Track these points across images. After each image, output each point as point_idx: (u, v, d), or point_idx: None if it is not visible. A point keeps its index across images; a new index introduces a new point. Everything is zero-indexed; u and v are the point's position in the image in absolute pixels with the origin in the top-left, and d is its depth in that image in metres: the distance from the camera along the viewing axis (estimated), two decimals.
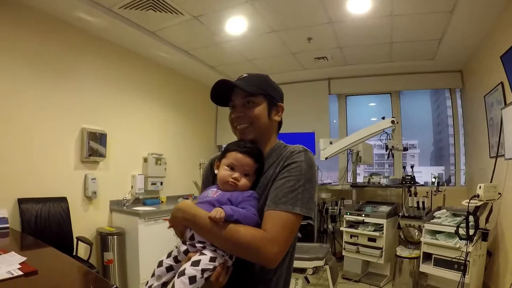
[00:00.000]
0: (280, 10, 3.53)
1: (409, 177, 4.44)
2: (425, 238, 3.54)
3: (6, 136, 3.13)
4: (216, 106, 5.92)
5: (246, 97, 1.17)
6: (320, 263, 3.08)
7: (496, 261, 3.42)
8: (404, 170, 4.68)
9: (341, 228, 4.51)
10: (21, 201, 3.17)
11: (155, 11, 3.52)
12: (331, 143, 4.64)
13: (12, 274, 1.55)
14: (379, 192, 5.31)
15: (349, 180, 5.36)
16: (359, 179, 5.29)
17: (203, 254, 1.00)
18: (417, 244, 3.96)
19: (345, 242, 4.39)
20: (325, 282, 3.50)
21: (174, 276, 1.00)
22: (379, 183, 4.82)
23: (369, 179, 4.95)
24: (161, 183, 4.84)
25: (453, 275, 3.21)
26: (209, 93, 1.19)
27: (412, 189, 4.34)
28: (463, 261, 3.08)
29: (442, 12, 3.43)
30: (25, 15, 3.28)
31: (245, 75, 1.21)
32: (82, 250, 3.54)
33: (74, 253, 3.47)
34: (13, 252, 1.91)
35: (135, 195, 4.42)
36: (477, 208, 3.03)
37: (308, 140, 5.22)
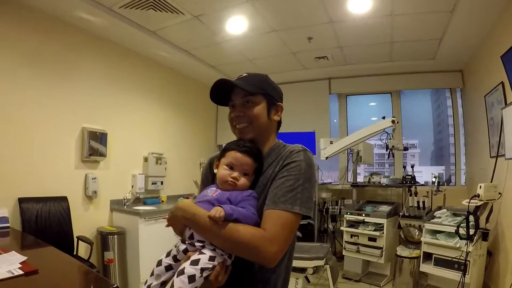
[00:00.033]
0: (281, 9, 3.53)
1: (410, 177, 4.44)
2: (426, 238, 3.54)
3: (6, 135, 3.13)
4: (217, 106, 5.92)
5: (246, 96, 1.17)
6: (320, 262, 3.09)
7: (496, 261, 3.42)
8: (404, 169, 4.68)
9: (342, 228, 4.51)
10: (21, 201, 3.18)
11: (156, 11, 3.52)
12: (331, 142, 4.64)
13: (13, 273, 1.55)
14: (380, 191, 5.31)
15: (349, 180, 5.37)
16: (360, 179, 5.29)
17: (202, 253, 1.00)
18: (417, 243, 3.96)
19: (345, 241, 4.39)
20: (325, 281, 3.51)
21: (173, 275, 1.00)
22: (380, 182, 4.82)
23: (369, 179, 4.96)
24: (162, 183, 4.84)
25: (453, 275, 3.22)
26: (209, 92, 1.20)
27: (413, 188, 4.34)
28: (463, 261, 3.08)
29: (442, 11, 3.43)
30: (25, 14, 3.28)
31: (244, 74, 1.21)
32: (82, 250, 3.55)
33: (75, 253, 3.47)
34: (13, 251, 1.91)
35: (135, 195, 4.42)
36: (477, 208, 3.03)
37: (308, 139, 5.22)
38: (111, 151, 4.11)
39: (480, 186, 2.97)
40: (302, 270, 3.13)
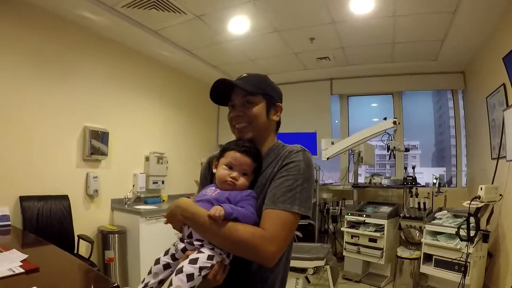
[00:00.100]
0: (283, 10, 3.53)
1: (410, 178, 4.44)
2: (426, 239, 3.54)
3: (8, 134, 3.14)
4: (218, 106, 5.91)
5: (245, 96, 1.17)
6: (320, 263, 3.08)
7: (497, 262, 3.42)
8: (405, 171, 4.68)
9: (342, 229, 4.51)
10: (22, 199, 3.18)
11: (158, 10, 3.52)
12: (332, 143, 4.64)
13: (14, 271, 1.55)
14: (380, 192, 5.30)
15: (350, 181, 5.36)
16: (361, 180, 5.29)
17: (201, 252, 1.00)
18: (417, 245, 3.96)
19: (346, 242, 4.39)
20: (325, 282, 3.51)
21: (171, 274, 1.00)
22: (380, 183, 4.82)
23: (370, 180, 4.95)
24: (163, 182, 4.84)
25: (454, 276, 3.22)
26: (209, 92, 1.20)
27: (413, 190, 4.34)
28: (464, 262, 3.08)
29: (444, 12, 3.42)
30: (25, 12, 3.28)
31: (244, 74, 1.22)
32: (83, 248, 3.56)
33: (75, 251, 3.48)
34: (14, 249, 1.91)
35: (136, 194, 4.43)
36: (478, 209, 3.03)
37: (309, 140, 5.23)
38: (113, 150, 4.11)
39: (481, 188, 2.97)
40: (303, 270, 3.13)
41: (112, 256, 3.70)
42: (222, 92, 1.21)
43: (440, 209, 3.89)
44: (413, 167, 4.56)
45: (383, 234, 4.07)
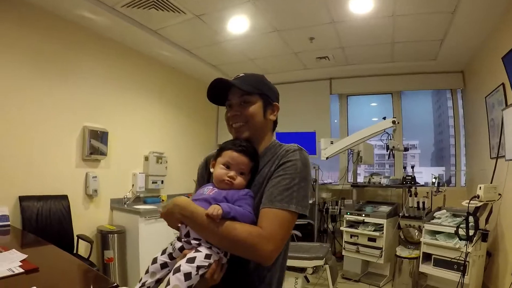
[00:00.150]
0: (282, 9, 3.53)
1: (410, 178, 4.45)
2: (425, 239, 3.54)
3: (7, 134, 3.14)
4: (217, 106, 5.92)
5: (242, 96, 1.18)
6: (320, 262, 3.09)
7: (496, 261, 3.43)
8: (404, 170, 4.68)
9: (341, 228, 4.51)
10: (22, 199, 3.18)
11: (158, 10, 3.52)
12: (332, 143, 4.64)
13: (13, 271, 1.55)
14: (380, 192, 5.31)
15: (349, 180, 5.37)
16: (360, 179, 5.30)
17: (199, 251, 1.01)
18: (417, 244, 3.96)
19: (345, 241, 4.40)
20: (324, 281, 3.51)
21: (168, 273, 1.01)
22: (380, 183, 4.82)
23: (369, 179, 4.96)
24: (162, 182, 4.84)
25: (453, 276, 3.22)
26: (206, 92, 1.21)
27: (413, 189, 4.35)
28: (463, 262, 3.08)
29: (444, 12, 3.43)
30: (26, 12, 3.28)
31: (241, 74, 1.22)
32: (82, 248, 3.56)
33: (75, 251, 3.48)
34: (14, 249, 1.91)
35: (136, 194, 4.43)
36: (477, 208, 3.04)
37: (309, 139, 5.23)
38: (112, 150, 4.11)
39: (480, 187, 2.98)
40: (302, 270, 3.13)
41: (111, 256, 3.70)
42: (219, 91, 1.21)
43: (439, 209, 3.90)
44: (412, 167, 4.57)
45: (382, 233, 4.07)
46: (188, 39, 4.35)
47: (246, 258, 1.05)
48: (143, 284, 1.05)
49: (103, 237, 3.76)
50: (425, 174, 5.75)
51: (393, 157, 4.59)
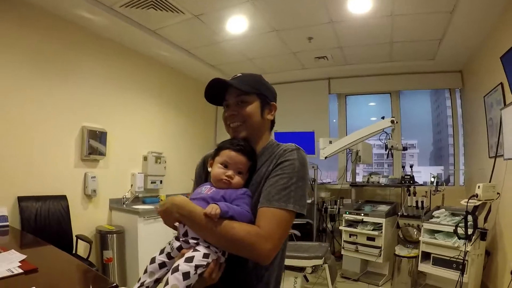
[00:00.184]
0: (281, 9, 3.53)
1: (408, 177, 4.46)
2: (424, 238, 3.55)
3: (6, 134, 3.13)
4: (216, 106, 5.93)
5: (240, 96, 1.18)
6: (319, 262, 3.09)
7: (495, 260, 3.43)
8: (403, 169, 4.69)
9: (340, 227, 4.52)
10: (21, 199, 3.18)
11: (156, 10, 3.52)
12: (330, 142, 4.64)
13: (12, 272, 1.55)
14: (378, 191, 5.32)
15: (348, 180, 5.37)
16: (358, 179, 5.30)
17: (197, 250, 1.01)
18: (416, 243, 3.96)
19: (344, 241, 4.40)
20: (324, 281, 3.51)
21: (166, 273, 1.01)
22: (378, 182, 4.83)
23: (368, 179, 4.96)
24: (161, 182, 4.84)
25: (452, 274, 3.22)
26: (204, 92, 1.21)
27: (411, 188, 4.36)
28: (462, 261, 3.09)
29: (442, 12, 3.43)
30: (26, 12, 3.27)
31: (239, 74, 1.23)
32: (81, 249, 3.55)
33: (74, 252, 3.48)
34: (13, 250, 1.91)
35: (134, 194, 4.42)
36: (475, 207, 3.04)
37: (307, 139, 5.23)
38: (111, 150, 4.11)
39: (479, 186, 2.99)
40: (301, 269, 3.14)
41: (110, 256, 3.70)
42: (217, 91, 1.22)
43: (438, 208, 3.90)
44: (411, 166, 4.58)
45: (381, 232, 4.08)
46: (186, 39, 4.35)
47: (244, 257, 1.05)
48: (142, 284, 1.06)
49: (102, 237, 3.75)
50: (424, 174, 5.76)
51: (392, 156, 4.60)
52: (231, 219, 1.00)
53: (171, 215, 1.06)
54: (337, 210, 5.11)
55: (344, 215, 4.49)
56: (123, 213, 4.03)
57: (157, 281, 1.07)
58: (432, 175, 4.28)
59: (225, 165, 1.13)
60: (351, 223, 4.43)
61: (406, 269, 3.85)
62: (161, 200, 4.75)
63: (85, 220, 3.80)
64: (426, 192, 4.26)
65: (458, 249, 3.19)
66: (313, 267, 3.17)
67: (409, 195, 4.32)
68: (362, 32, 3.99)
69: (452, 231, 3.21)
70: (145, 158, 4.67)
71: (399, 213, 4.26)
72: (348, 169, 5.42)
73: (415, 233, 4.08)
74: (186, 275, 0.95)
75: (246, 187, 1.14)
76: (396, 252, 3.98)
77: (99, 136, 3.90)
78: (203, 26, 3.89)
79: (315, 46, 4.45)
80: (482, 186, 2.97)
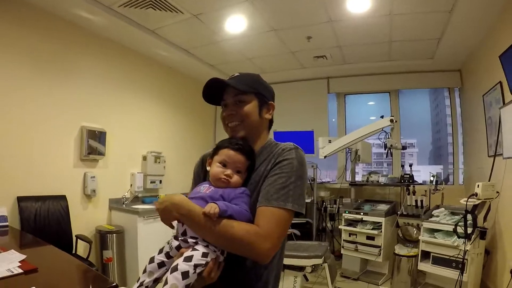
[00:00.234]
0: (280, 9, 3.53)
1: (408, 176, 4.46)
2: (424, 237, 3.55)
3: (5, 134, 3.13)
4: (214, 106, 5.94)
5: (237, 95, 1.18)
6: (318, 261, 3.09)
7: (494, 259, 3.44)
8: (402, 168, 4.70)
9: (340, 227, 4.52)
10: (20, 199, 3.17)
11: (155, 10, 3.52)
12: (330, 141, 4.65)
13: (12, 272, 1.55)
14: (378, 190, 5.32)
15: (347, 179, 5.38)
16: (358, 178, 5.31)
17: (196, 249, 1.01)
18: (415, 242, 3.97)
19: (343, 240, 4.40)
20: (323, 280, 3.51)
21: (165, 272, 1.01)
22: (378, 181, 4.83)
23: (367, 178, 4.96)
24: (160, 181, 4.84)
25: (451, 273, 3.23)
26: (202, 92, 1.21)
27: (411, 187, 4.36)
28: (461, 260, 3.09)
29: (441, 11, 3.43)
30: (25, 12, 3.27)
31: (236, 74, 1.23)
32: (81, 249, 3.55)
33: (74, 251, 3.47)
34: (12, 250, 1.91)
35: (134, 193, 4.42)
36: (475, 206, 3.05)
37: (307, 138, 5.23)
38: (110, 149, 4.10)
39: (478, 185, 2.99)
40: (301, 268, 3.14)
41: (110, 256, 3.69)
42: (215, 91, 1.22)
43: (438, 207, 3.91)
44: (410, 165, 4.58)
45: (381, 232, 4.08)
46: (185, 39, 4.35)
47: (243, 256, 1.06)
48: (141, 284, 1.06)
49: (102, 237, 3.75)
50: (423, 173, 5.77)
51: (391, 155, 4.60)
52: (230, 218, 1.01)
53: (169, 214, 1.06)
54: (336, 210, 5.11)
55: (343, 214, 4.49)
56: (122, 213, 4.03)
57: (156, 280, 1.07)
58: (431, 174, 4.28)
59: (224, 164, 1.14)
60: (351, 222, 4.43)
61: (405, 268, 3.86)
62: (159, 197, 4.75)
63: (84, 220, 3.80)
64: (425, 191, 4.26)
65: (458, 248, 3.19)
66: (313, 267, 3.17)
67: (409, 194, 4.33)
68: (361, 31, 4.00)
69: (451, 230, 3.21)
70: (144, 158, 4.67)
71: (398, 212, 4.27)
72: (347, 168, 5.42)
73: (415, 232, 4.09)
74: (185, 275, 0.95)
75: (245, 186, 1.14)
76: (396, 251, 3.98)
77: (98, 136, 3.90)
78: (202, 25, 3.88)
79: (314, 46, 4.45)
80: (481, 185, 2.97)
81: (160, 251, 1.09)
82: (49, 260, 2.04)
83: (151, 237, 3.84)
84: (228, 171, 1.12)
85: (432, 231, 3.54)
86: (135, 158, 4.61)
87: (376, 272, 4.39)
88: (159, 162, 4.78)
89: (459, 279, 3.06)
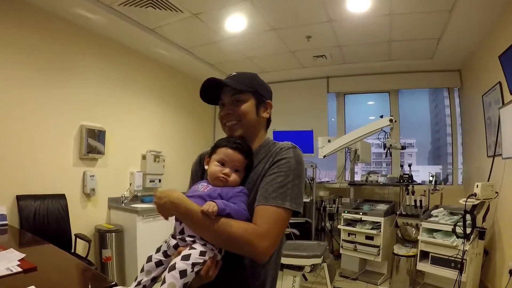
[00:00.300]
0: (280, 8, 3.53)
1: (407, 176, 4.46)
2: (422, 237, 3.55)
3: (5, 132, 3.13)
4: (213, 105, 5.94)
5: (235, 94, 1.19)
6: (317, 260, 3.10)
7: (493, 259, 3.44)
8: (401, 168, 4.70)
9: (339, 226, 4.52)
10: (19, 198, 3.17)
11: (155, 8, 3.52)
12: (329, 141, 4.64)
13: (11, 270, 1.55)
14: (377, 190, 5.32)
15: (347, 179, 5.38)
16: (357, 178, 5.31)
17: (193, 248, 1.01)
18: (414, 242, 3.98)
19: (342, 240, 4.40)
20: (322, 279, 3.52)
21: (163, 271, 1.01)
22: (377, 181, 4.83)
23: (367, 178, 4.97)
24: (160, 180, 4.84)
25: (450, 274, 3.23)
26: (199, 92, 1.22)
27: (410, 187, 4.36)
28: (460, 260, 3.09)
29: (441, 11, 3.44)
30: (25, 12, 3.27)
31: (234, 73, 1.23)
32: (80, 247, 3.55)
33: (73, 250, 3.48)
34: (12, 248, 1.91)
35: (133, 192, 4.42)
36: (474, 206, 3.05)
37: (306, 138, 5.24)
38: (109, 148, 4.10)
39: (477, 185, 2.99)
40: (300, 268, 3.14)
41: (109, 255, 3.70)
42: (212, 91, 1.22)
43: (437, 207, 3.91)
44: (410, 165, 4.58)
45: (380, 231, 4.08)
46: (185, 38, 4.34)
47: (240, 255, 1.06)
48: (139, 283, 1.06)
49: (101, 236, 3.75)
50: (422, 173, 5.78)
51: (390, 155, 4.59)
52: (228, 216, 1.01)
53: (168, 211, 1.06)
54: (335, 209, 5.11)
55: (342, 214, 4.49)
56: (122, 212, 4.03)
57: (154, 279, 1.07)
58: (430, 174, 4.28)
59: (222, 163, 1.14)
60: (350, 222, 4.43)
61: (404, 268, 3.86)
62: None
63: (84, 219, 3.80)
64: (424, 191, 4.27)
65: (457, 248, 3.20)
66: (312, 266, 3.18)
67: (408, 194, 4.33)
68: (360, 31, 4.00)
69: (450, 230, 3.22)
70: (143, 157, 4.66)
71: (397, 212, 4.27)
72: (346, 168, 5.42)
73: (414, 232, 4.09)
74: (183, 273, 0.95)
75: (243, 185, 1.14)
76: (395, 251, 3.98)
77: (98, 135, 3.90)
78: (202, 24, 3.88)
79: (314, 45, 4.45)
80: (480, 185, 2.98)
81: (158, 250, 1.09)
82: (48, 259, 2.04)
83: (150, 236, 3.84)
84: (226, 170, 1.12)
85: (431, 231, 3.54)
86: (134, 157, 4.61)
87: (375, 272, 4.40)
88: (158, 161, 4.78)
89: (458, 279, 3.06)
